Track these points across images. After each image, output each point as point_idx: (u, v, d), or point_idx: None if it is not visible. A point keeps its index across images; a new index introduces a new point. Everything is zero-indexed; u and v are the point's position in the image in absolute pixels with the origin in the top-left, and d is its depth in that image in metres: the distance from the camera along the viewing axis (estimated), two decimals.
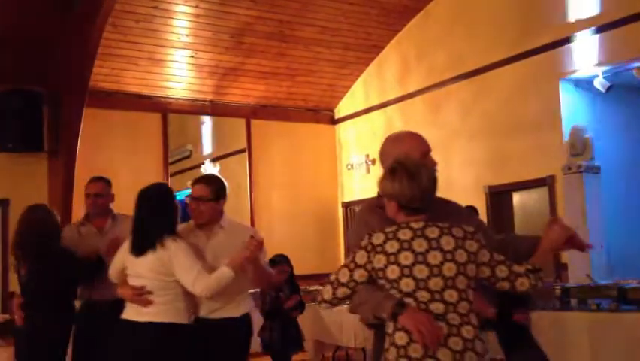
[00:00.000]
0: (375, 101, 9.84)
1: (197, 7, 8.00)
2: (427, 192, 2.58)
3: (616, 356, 5.42)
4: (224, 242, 3.74)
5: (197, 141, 10.04)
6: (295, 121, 10.15)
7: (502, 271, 2.53)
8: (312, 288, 7.43)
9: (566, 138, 7.14)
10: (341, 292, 2.52)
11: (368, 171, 9.61)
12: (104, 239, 4.46)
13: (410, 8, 9.01)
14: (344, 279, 2.51)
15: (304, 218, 9.67)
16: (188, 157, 9.92)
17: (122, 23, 7.80)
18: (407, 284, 2.44)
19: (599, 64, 6.96)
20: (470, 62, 8.33)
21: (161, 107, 9.17)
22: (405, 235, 2.48)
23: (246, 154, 9.76)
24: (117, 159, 8.37)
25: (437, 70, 8.82)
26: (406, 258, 2.44)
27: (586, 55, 7.04)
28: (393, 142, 2.99)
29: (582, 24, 7.04)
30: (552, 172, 7.34)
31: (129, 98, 8.84)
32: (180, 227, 3.75)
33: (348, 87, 10.22)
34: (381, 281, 2.48)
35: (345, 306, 2.74)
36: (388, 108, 9.61)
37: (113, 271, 3.79)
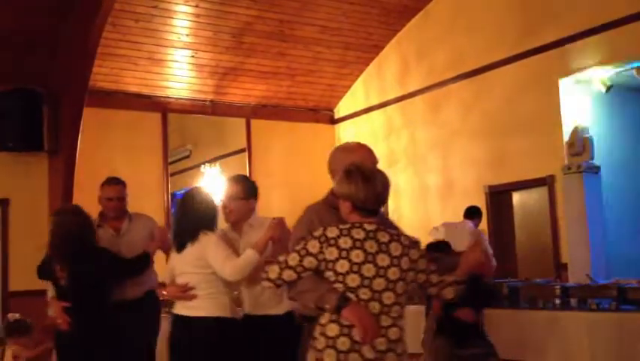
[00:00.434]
0: (375, 101, 9.84)
1: (197, 6, 8.00)
2: (380, 195, 2.75)
3: (615, 356, 5.43)
4: (254, 239, 3.78)
5: (197, 140, 10.03)
6: (295, 121, 10.16)
7: (434, 278, 2.76)
8: None
9: (565, 137, 7.14)
10: (287, 274, 2.65)
11: None
12: (122, 240, 4.47)
13: (410, 8, 9.02)
14: (293, 263, 2.64)
15: None
16: (188, 157, 9.91)
17: (121, 23, 7.80)
18: (353, 280, 2.59)
19: (599, 64, 6.96)
20: (470, 61, 8.34)
21: (161, 107, 9.17)
22: (358, 234, 2.63)
23: (246, 154, 9.76)
24: (117, 159, 8.36)
25: (437, 70, 8.83)
26: (357, 256, 2.60)
27: (586, 55, 7.04)
28: (343, 151, 3.18)
29: (582, 24, 7.04)
30: (552, 172, 7.34)
31: (129, 97, 8.85)
32: (219, 230, 3.85)
33: (348, 87, 10.22)
34: (329, 273, 2.61)
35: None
36: (388, 108, 9.62)
37: (166, 273, 3.92)
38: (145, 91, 8.95)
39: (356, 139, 10.06)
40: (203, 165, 9.60)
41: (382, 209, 2.93)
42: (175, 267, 3.80)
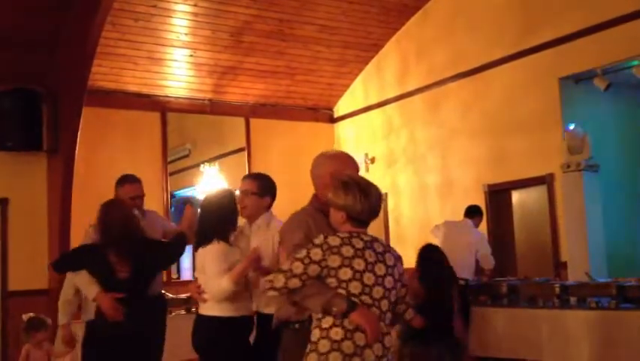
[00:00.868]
0: (374, 100, 9.84)
1: (195, 5, 7.99)
2: (375, 209, 2.86)
3: (615, 354, 5.43)
4: (256, 241, 3.87)
5: (197, 139, 10.03)
6: (294, 120, 10.15)
7: (406, 297, 3.01)
8: None
9: (565, 136, 7.14)
10: (292, 283, 2.70)
11: (367, 169, 9.61)
12: None
13: (409, 7, 9.01)
14: (298, 271, 2.69)
15: None
16: (187, 156, 9.90)
17: (120, 22, 7.80)
18: (355, 287, 2.69)
19: (598, 62, 6.96)
20: (470, 60, 8.34)
21: (160, 106, 9.17)
22: (358, 243, 2.74)
23: (245, 153, 9.76)
24: (116, 158, 8.36)
25: (436, 68, 8.82)
26: (359, 264, 2.70)
27: (585, 53, 7.04)
28: (328, 158, 3.28)
29: (581, 22, 7.05)
30: (551, 170, 7.35)
31: (128, 97, 8.84)
32: (239, 228, 3.97)
33: (348, 86, 10.22)
34: (331, 280, 2.70)
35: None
36: (388, 107, 9.62)
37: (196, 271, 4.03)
38: (144, 90, 8.94)
39: (355, 138, 10.16)
40: (202, 165, 9.59)
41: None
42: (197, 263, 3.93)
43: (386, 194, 9.33)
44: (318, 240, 2.73)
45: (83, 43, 7.04)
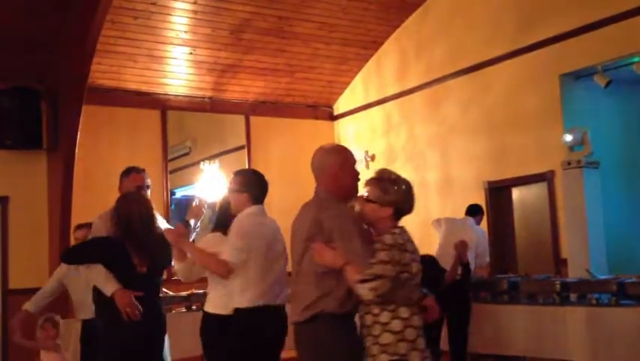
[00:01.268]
0: (374, 97, 9.83)
1: (195, 3, 7.99)
2: (414, 203, 3.02)
3: (615, 350, 5.44)
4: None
5: (197, 137, 10.02)
6: (294, 117, 10.15)
7: None
8: None
9: (565, 133, 7.13)
10: (388, 286, 2.81)
11: (367, 166, 9.60)
12: None
13: (409, 4, 9.00)
14: (391, 274, 2.80)
15: None
16: (187, 154, 9.90)
17: (120, 20, 7.79)
18: (417, 277, 2.95)
19: (599, 59, 6.95)
20: (469, 57, 8.33)
21: (160, 104, 9.16)
22: (407, 237, 2.94)
23: (245, 151, 9.76)
24: (116, 156, 8.35)
25: (436, 66, 8.81)
26: (414, 257, 2.93)
27: (585, 50, 7.03)
28: (329, 152, 3.25)
29: (581, 19, 7.03)
30: (552, 167, 7.34)
31: (128, 95, 8.84)
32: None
33: (347, 83, 10.21)
34: (405, 274, 2.86)
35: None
36: (387, 104, 9.61)
37: None
38: (144, 88, 8.94)
39: (355, 135, 10.15)
40: (202, 162, 9.58)
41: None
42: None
43: None
44: (390, 240, 2.85)
45: (83, 41, 7.03)
